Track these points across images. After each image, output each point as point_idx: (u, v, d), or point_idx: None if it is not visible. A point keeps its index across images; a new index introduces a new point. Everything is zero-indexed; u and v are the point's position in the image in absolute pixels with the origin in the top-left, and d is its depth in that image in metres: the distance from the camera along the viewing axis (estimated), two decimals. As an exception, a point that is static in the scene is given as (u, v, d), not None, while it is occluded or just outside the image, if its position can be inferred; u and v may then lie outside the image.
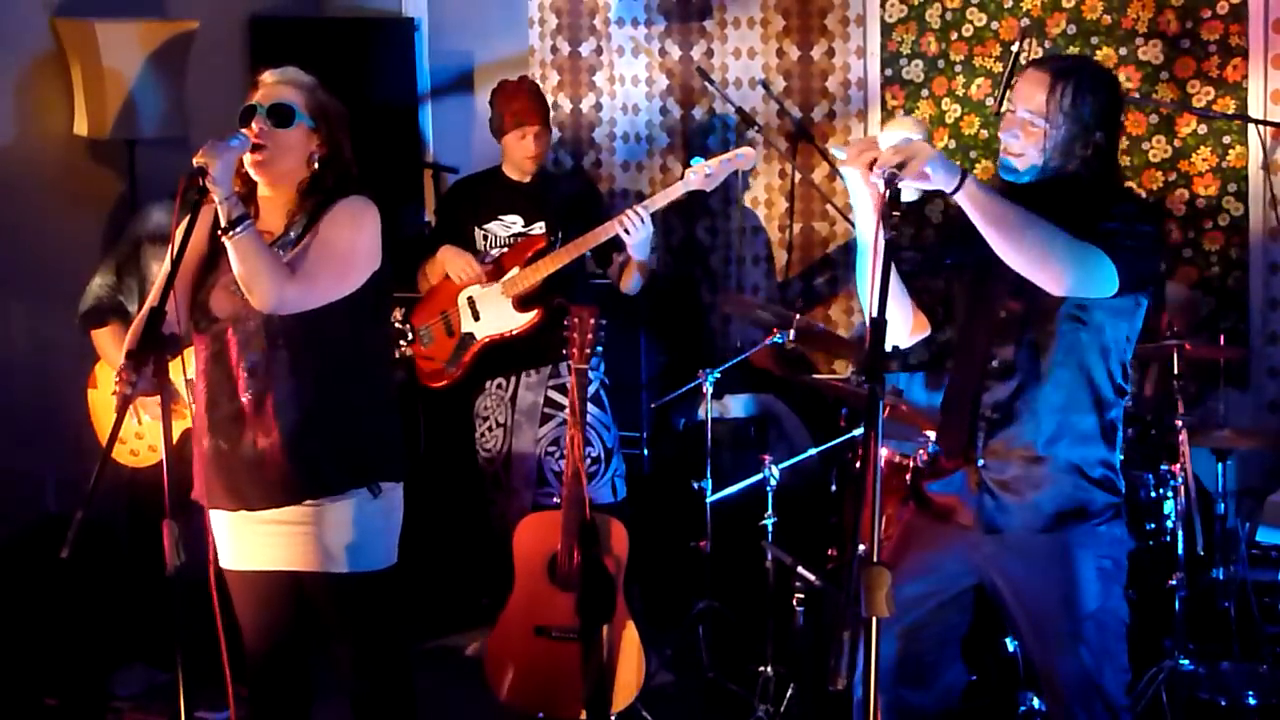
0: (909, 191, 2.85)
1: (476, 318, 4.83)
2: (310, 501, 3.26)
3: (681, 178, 4.63)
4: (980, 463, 3.14)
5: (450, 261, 4.85)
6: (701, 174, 4.56)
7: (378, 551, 3.33)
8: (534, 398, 4.87)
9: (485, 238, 4.92)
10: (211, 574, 3.25)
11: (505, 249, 4.86)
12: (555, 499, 4.62)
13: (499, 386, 4.92)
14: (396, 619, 3.46)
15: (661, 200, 4.64)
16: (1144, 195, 5.29)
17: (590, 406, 4.70)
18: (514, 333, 4.78)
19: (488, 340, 4.81)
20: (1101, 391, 3.12)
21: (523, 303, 4.78)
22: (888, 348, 3.10)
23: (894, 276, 3.00)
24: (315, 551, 3.28)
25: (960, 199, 2.90)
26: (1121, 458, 3.19)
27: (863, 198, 3.03)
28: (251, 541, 3.33)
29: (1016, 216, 2.93)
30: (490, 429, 4.93)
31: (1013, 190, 3.10)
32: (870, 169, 2.86)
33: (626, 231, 4.55)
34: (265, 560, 3.34)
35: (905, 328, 3.25)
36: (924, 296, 3.27)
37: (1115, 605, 3.14)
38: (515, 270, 4.77)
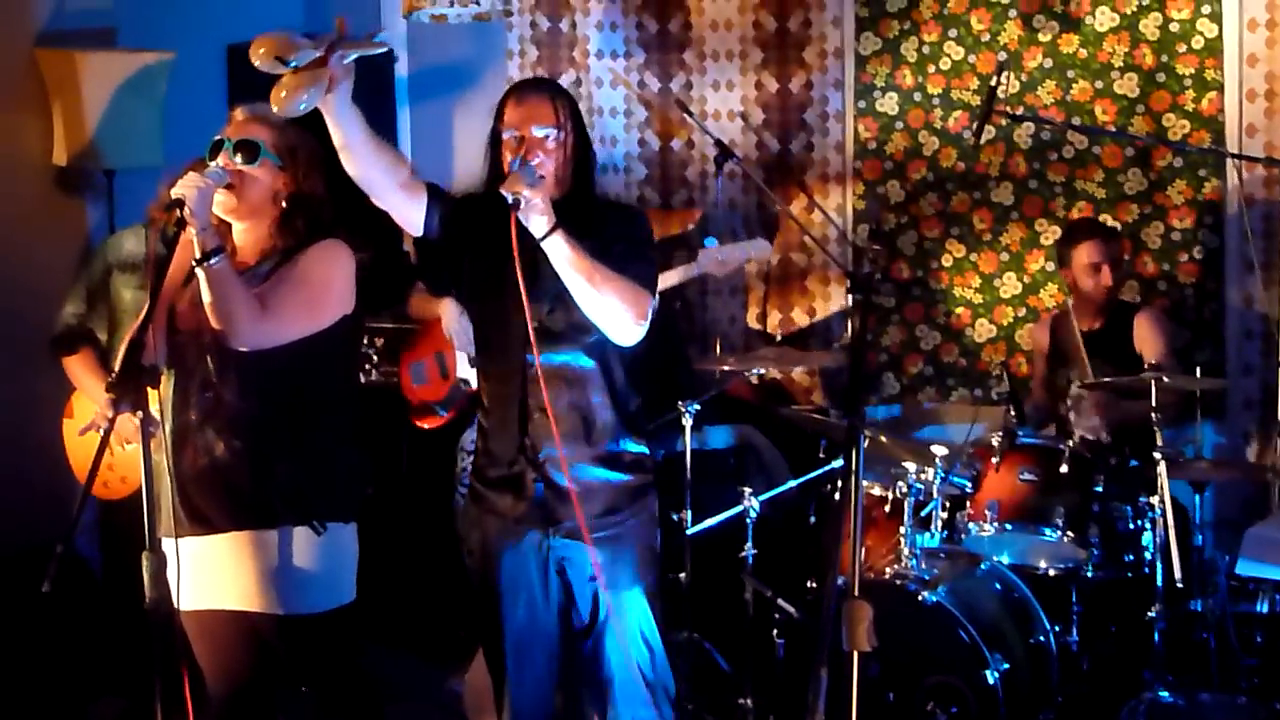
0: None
1: (472, 364, 4.83)
2: (244, 531, 3.22)
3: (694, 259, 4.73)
4: None
5: (450, 326, 4.83)
6: (714, 259, 4.63)
7: (326, 592, 3.29)
8: None
9: None
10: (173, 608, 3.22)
11: None
12: None
13: None
14: (354, 658, 3.41)
15: (673, 279, 4.71)
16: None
17: None
18: None
19: None
20: None
21: None
22: None
23: None
24: (259, 590, 3.22)
25: (544, 245, 3.15)
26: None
27: None
28: (199, 578, 3.25)
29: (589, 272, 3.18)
30: None
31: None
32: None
33: None
34: (213, 598, 3.27)
35: None
36: None
37: None
38: None
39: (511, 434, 3.30)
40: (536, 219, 3.12)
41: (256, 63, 2.96)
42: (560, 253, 3.14)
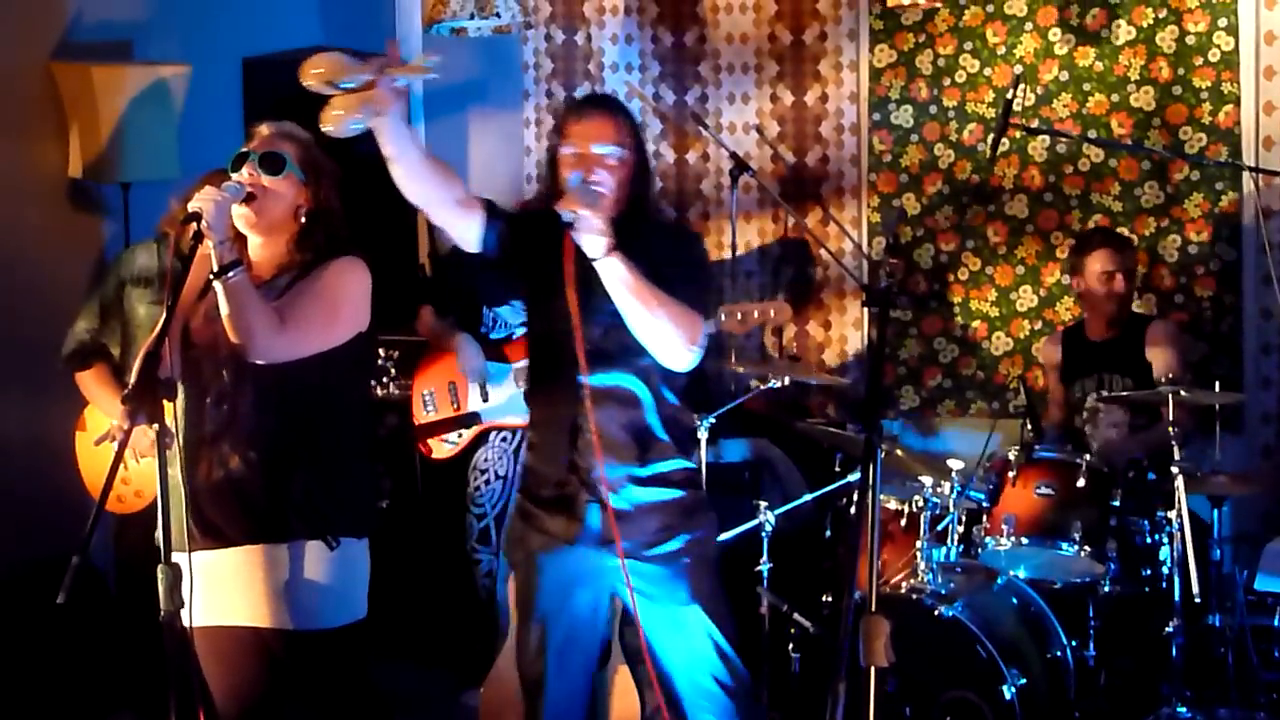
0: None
1: (485, 399, 4.80)
2: (257, 545, 3.19)
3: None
4: None
5: (464, 365, 4.80)
6: (734, 319, 4.61)
7: (338, 608, 3.25)
8: None
9: (494, 320, 4.90)
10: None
11: (512, 337, 4.83)
12: None
13: (504, 440, 4.88)
14: (365, 674, 3.38)
15: None
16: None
17: None
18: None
19: (496, 426, 4.80)
20: None
21: None
22: None
23: None
24: (270, 605, 3.19)
25: (599, 266, 3.09)
26: None
27: None
28: (210, 592, 3.21)
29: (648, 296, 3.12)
30: (488, 482, 4.87)
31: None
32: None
33: None
34: (223, 614, 3.23)
35: None
36: None
37: None
38: (524, 362, 4.73)
39: (562, 454, 3.25)
40: (593, 239, 3.06)
41: (307, 83, 2.95)
42: (616, 275, 3.07)
